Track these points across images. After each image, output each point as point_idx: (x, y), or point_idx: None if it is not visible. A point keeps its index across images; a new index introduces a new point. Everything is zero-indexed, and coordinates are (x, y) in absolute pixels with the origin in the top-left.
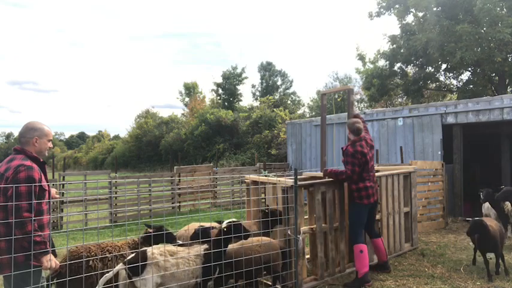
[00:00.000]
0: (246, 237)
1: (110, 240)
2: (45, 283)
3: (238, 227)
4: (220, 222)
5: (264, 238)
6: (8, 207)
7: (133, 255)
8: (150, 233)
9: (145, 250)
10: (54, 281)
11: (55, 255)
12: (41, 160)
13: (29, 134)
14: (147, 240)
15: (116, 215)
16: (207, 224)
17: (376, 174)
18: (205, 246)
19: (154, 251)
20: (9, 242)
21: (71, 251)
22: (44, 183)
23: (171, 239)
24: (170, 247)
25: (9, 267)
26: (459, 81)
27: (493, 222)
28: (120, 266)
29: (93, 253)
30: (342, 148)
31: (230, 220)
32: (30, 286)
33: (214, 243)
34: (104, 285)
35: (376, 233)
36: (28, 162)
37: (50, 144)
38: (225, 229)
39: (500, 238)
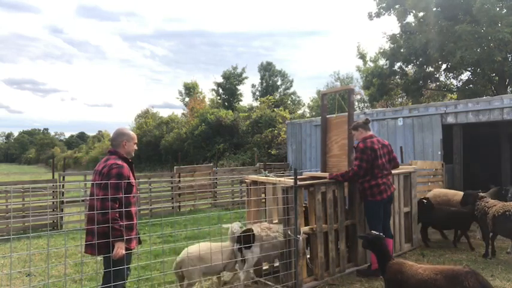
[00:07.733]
0: None
1: None
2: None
3: None
4: None
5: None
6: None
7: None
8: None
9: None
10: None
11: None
12: (130, 160)
13: (120, 138)
14: None
15: None
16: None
17: None
18: None
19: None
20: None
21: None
22: (132, 179)
23: None
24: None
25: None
26: (459, 81)
27: None
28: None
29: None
30: (354, 146)
31: None
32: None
33: None
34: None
35: (389, 233)
36: (120, 162)
37: (136, 147)
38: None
39: None
